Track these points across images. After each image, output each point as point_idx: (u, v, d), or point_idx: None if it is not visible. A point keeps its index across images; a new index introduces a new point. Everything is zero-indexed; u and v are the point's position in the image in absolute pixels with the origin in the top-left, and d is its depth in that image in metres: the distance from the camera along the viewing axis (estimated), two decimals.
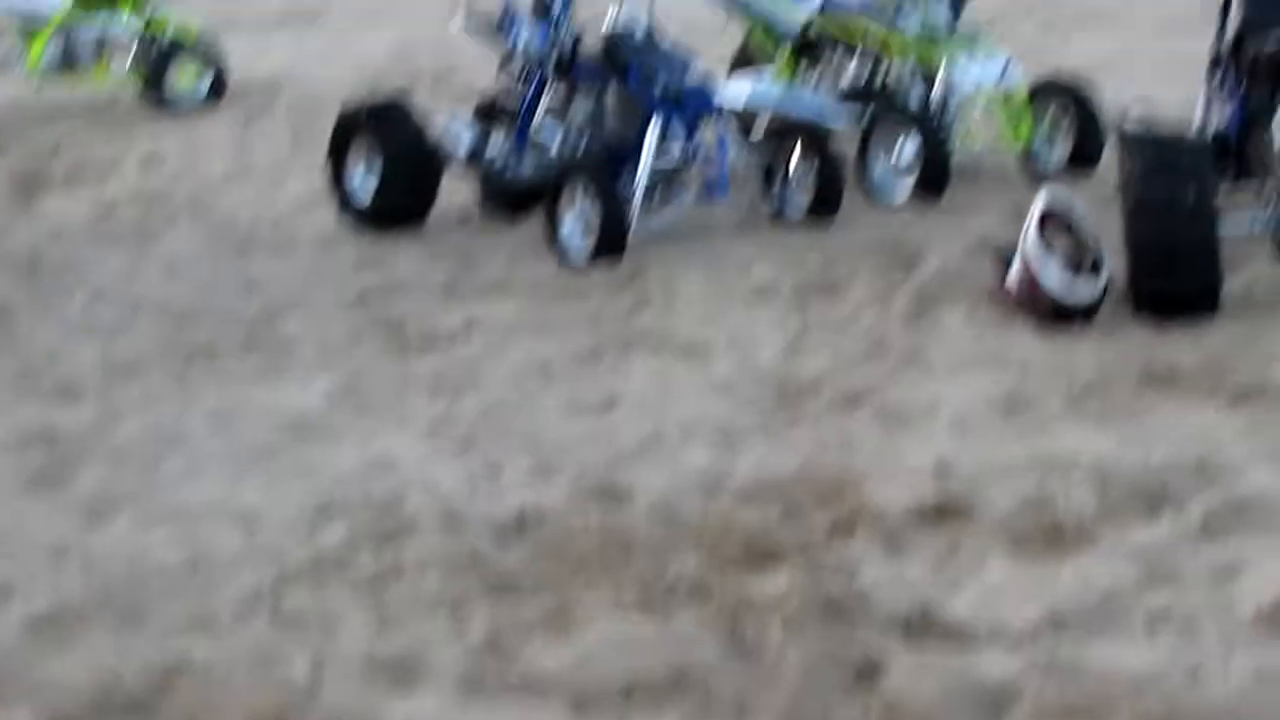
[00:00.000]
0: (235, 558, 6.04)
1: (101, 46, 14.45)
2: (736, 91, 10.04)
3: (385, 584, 5.81)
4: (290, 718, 5.01)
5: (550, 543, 6.05)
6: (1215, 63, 8.58)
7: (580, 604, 5.59)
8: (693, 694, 5.09)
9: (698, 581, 5.70)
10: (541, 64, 9.89)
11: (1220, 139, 8.32)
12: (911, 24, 10.49)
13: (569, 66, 9.88)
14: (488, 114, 10.37)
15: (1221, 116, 8.49)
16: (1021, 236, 8.00)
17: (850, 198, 9.84)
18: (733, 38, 11.87)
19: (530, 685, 5.18)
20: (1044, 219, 7.97)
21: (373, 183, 10.16)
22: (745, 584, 5.68)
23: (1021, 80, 10.37)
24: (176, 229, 10.55)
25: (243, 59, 14.76)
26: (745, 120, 10.53)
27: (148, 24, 14.44)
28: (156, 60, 14.27)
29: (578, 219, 9.29)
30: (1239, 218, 8.02)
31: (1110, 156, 9.97)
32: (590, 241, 9.22)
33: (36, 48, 14.23)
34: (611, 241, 9.19)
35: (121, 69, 14.47)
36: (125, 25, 14.40)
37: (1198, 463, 6.36)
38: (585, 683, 5.16)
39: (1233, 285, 7.88)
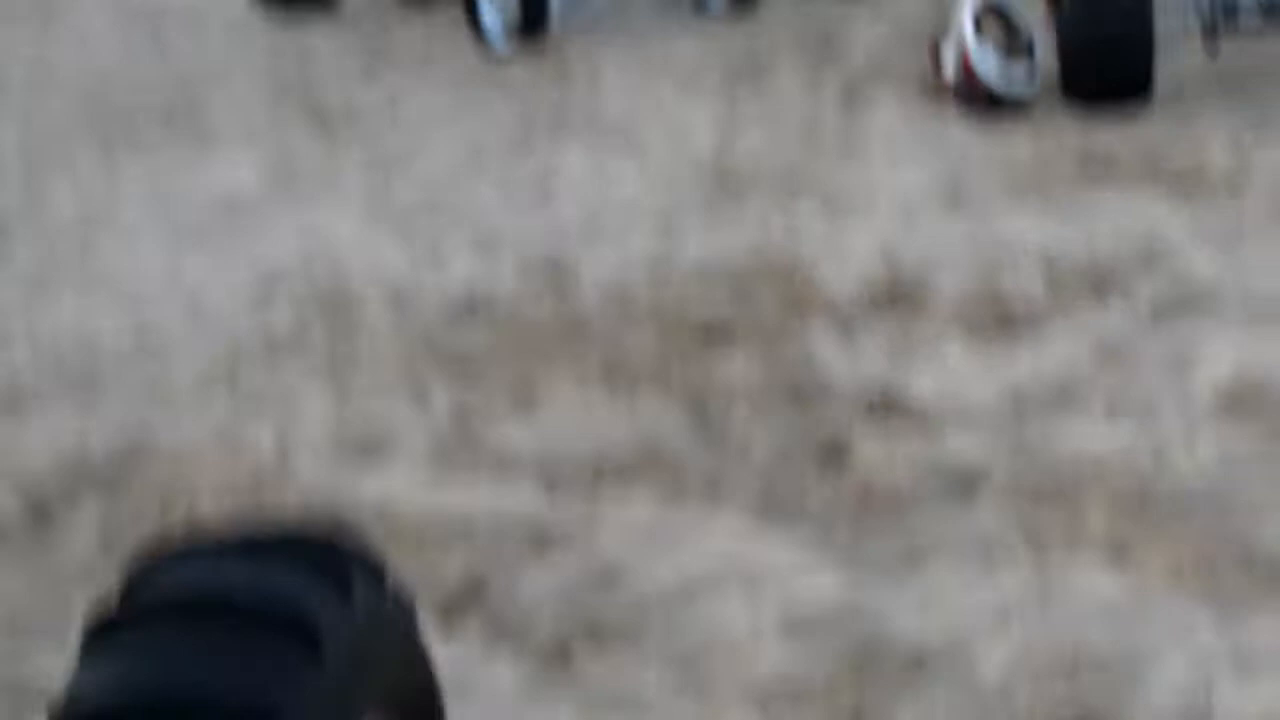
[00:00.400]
0: (185, 336, 5.97)
1: None
2: None
3: (342, 364, 5.77)
4: (263, 494, 4.98)
5: (504, 324, 6.02)
6: None
7: (542, 384, 5.57)
8: (663, 473, 5.10)
9: (657, 363, 5.69)
10: None
11: None
12: None
13: None
14: None
15: None
16: (954, 25, 7.97)
17: None
18: None
19: (500, 462, 5.17)
20: (976, 6, 7.94)
21: None
22: (704, 366, 5.68)
23: None
24: (81, 3, 10.31)
25: None
26: None
27: None
28: None
29: (496, 1, 9.14)
30: (1169, 9, 8.02)
31: None
32: (511, 24, 9.09)
33: None
34: (533, 23, 9.06)
35: None
36: None
37: (1142, 249, 6.40)
38: (554, 460, 5.16)
39: (1163, 76, 7.90)
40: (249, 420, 5.40)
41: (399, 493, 5.01)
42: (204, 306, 6.19)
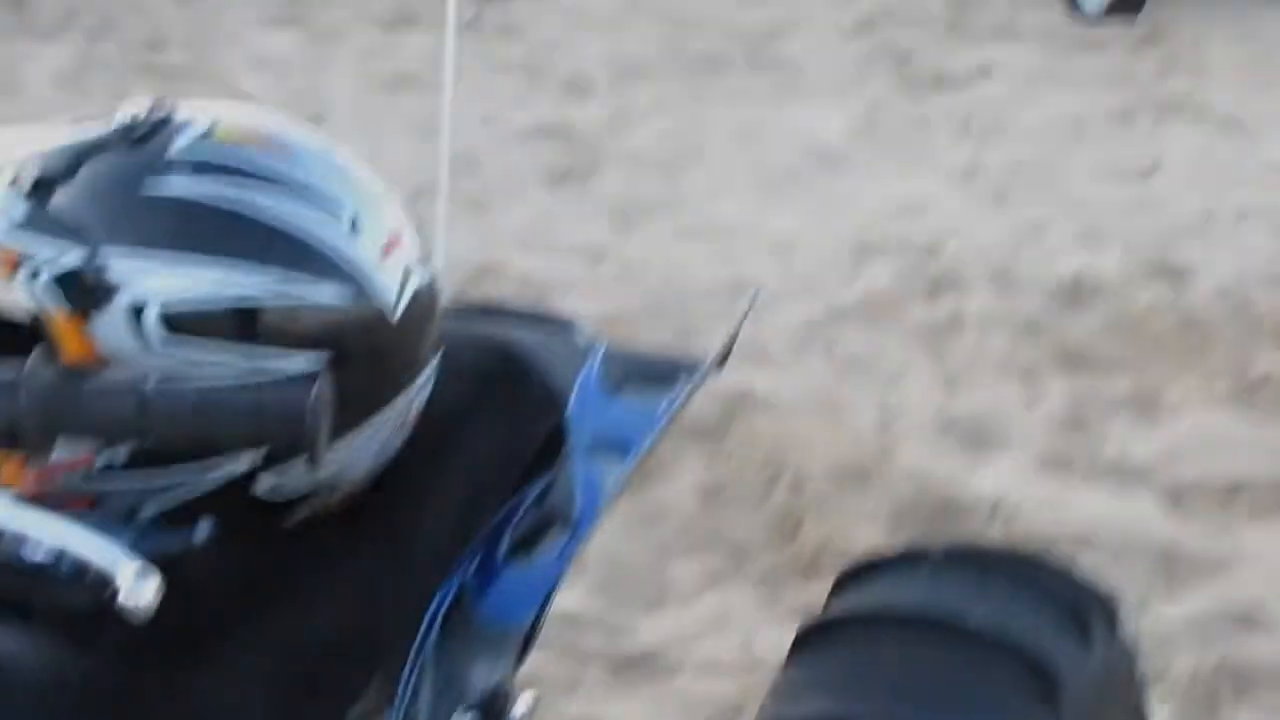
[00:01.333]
0: (777, 287, 5.68)
1: None
2: None
3: (945, 338, 5.42)
4: (867, 470, 4.63)
5: (1116, 318, 5.58)
6: None
7: (1166, 391, 5.13)
8: None
9: None
10: None
11: None
12: None
13: None
14: None
15: None
16: None
17: None
18: None
19: (1119, 470, 4.76)
20: None
21: None
22: None
23: None
24: None
25: None
26: None
27: None
28: None
29: None
30: None
31: None
32: None
33: None
34: None
35: None
36: None
37: None
38: (1180, 476, 4.72)
39: None
40: (849, 387, 5.08)
41: (1008, 491, 4.62)
42: (795, 259, 5.90)
